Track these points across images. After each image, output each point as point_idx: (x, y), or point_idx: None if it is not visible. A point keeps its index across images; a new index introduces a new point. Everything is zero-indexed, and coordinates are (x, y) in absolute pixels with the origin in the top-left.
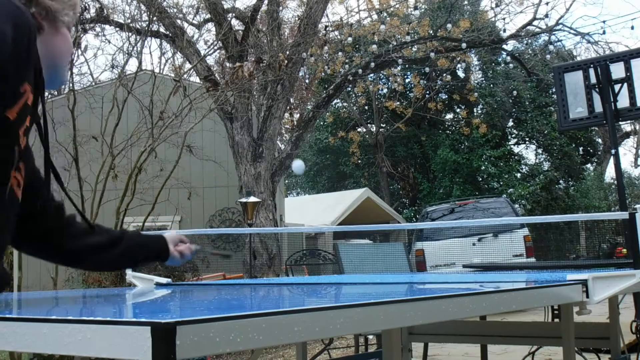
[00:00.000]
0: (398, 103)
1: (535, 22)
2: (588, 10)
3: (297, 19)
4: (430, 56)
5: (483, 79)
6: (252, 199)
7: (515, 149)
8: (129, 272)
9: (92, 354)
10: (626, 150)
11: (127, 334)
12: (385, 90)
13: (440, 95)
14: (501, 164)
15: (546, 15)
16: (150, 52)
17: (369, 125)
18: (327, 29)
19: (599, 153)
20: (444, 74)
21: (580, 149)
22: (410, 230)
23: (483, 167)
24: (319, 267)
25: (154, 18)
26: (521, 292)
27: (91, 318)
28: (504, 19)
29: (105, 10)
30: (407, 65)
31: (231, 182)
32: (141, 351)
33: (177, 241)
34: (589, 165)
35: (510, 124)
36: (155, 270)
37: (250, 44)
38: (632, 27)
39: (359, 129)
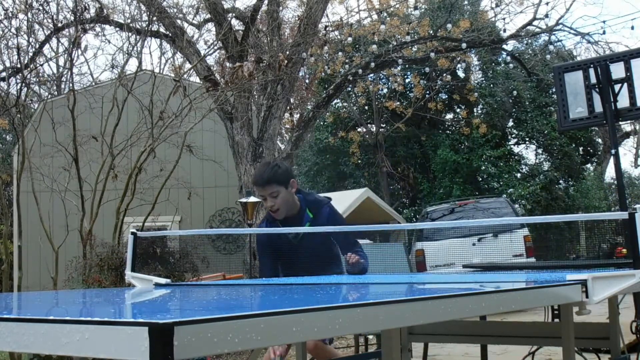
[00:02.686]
0: (398, 103)
1: (535, 22)
2: (588, 10)
3: (297, 19)
4: (430, 56)
5: (483, 79)
6: (252, 199)
7: (515, 149)
8: (128, 273)
9: (90, 354)
10: (626, 150)
11: (125, 335)
12: (385, 90)
13: (440, 95)
14: (501, 164)
15: (546, 15)
16: (150, 52)
17: (369, 125)
18: (327, 29)
19: (599, 153)
20: (444, 74)
21: (580, 149)
22: (410, 230)
23: (483, 167)
24: None
25: (154, 18)
26: (521, 292)
27: (89, 318)
28: (504, 19)
29: (105, 10)
30: (407, 65)
31: (231, 182)
32: (139, 352)
33: None
34: (589, 165)
35: (510, 124)
36: (155, 271)
37: (250, 44)
38: (632, 27)
39: (359, 129)
